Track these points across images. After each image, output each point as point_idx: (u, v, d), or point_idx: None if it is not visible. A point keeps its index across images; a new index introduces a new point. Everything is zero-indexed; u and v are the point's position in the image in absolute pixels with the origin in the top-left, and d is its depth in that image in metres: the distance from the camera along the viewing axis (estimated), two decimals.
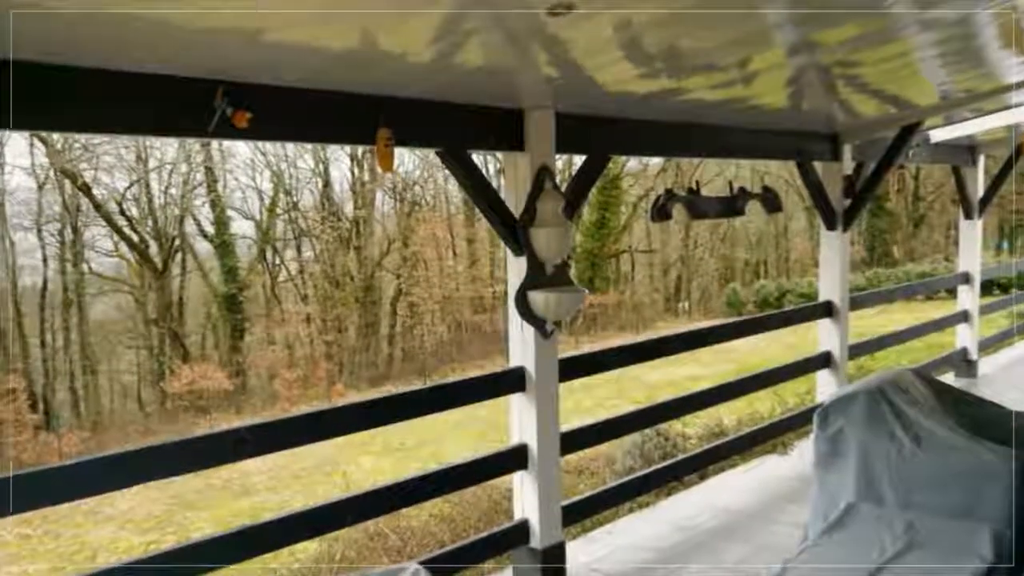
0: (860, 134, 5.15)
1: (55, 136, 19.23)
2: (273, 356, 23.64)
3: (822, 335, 5.49)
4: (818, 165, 5.20)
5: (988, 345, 7.66)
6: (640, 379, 14.43)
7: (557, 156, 3.46)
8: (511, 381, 3.50)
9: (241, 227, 25.18)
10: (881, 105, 4.57)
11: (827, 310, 5.42)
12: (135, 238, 23.31)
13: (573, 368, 3.82)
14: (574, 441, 3.85)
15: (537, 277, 3.36)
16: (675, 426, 5.98)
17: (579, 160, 3.76)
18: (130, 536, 9.85)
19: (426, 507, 5.19)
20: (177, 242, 24.03)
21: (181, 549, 2.75)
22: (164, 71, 2.29)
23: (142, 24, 1.91)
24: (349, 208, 26.53)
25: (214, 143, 22.43)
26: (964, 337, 7.28)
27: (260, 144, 23.98)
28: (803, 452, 5.23)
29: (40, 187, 21.72)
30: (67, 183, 21.71)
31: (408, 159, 26.34)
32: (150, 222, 23.69)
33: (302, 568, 5.34)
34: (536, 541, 3.53)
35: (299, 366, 23.31)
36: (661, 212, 4.18)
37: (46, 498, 2.45)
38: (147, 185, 23.60)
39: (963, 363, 7.24)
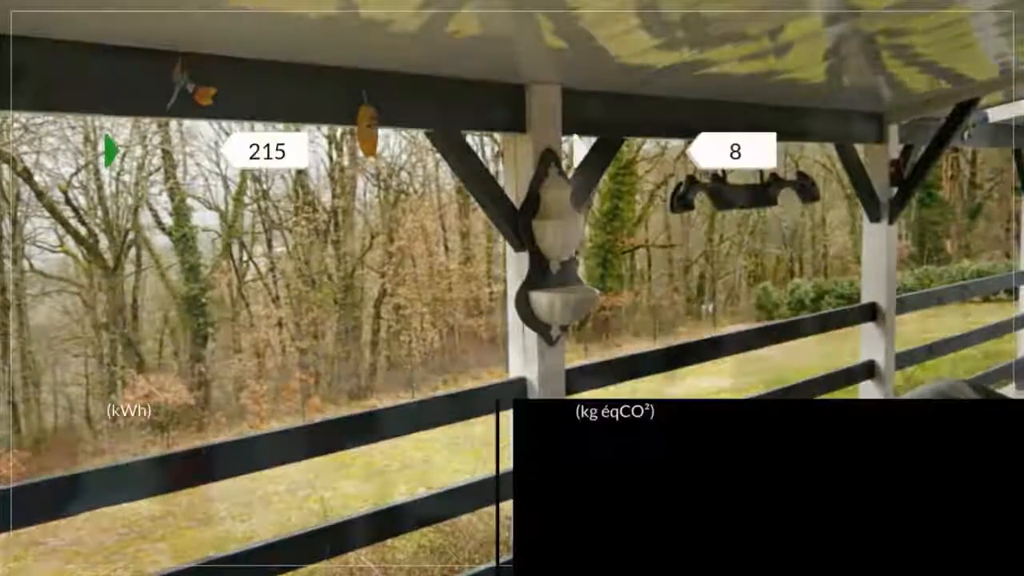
0: (908, 113, 5.15)
1: None
2: (240, 366, 23.65)
3: (865, 342, 5.48)
4: (860, 148, 5.20)
5: None
6: (658, 392, 14.44)
7: (564, 138, 3.46)
8: (511, 394, 3.49)
9: (203, 218, 25.21)
10: (932, 80, 4.56)
11: (871, 313, 5.42)
12: (83, 231, 23.31)
13: (582, 379, 3.80)
14: None
15: (541, 276, 3.36)
16: None
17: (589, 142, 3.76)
18: (78, 571, 9.85)
19: (415, 537, 5.20)
20: (131, 236, 24.03)
21: None
22: (114, 41, 2.28)
23: None
24: (326, 197, 26.56)
25: (172, 123, 22.43)
26: None
27: (225, 124, 23.96)
28: None
29: None
30: (5, 168, 21.72)
31: (394, 141, 26.39)
32: (100, 213, 23.68)
33: None
34: None
35: (270, 377, 23.33)
36: (682, 202, 4.18)
37: None
38: (96, 170, 23.60)
39: None
